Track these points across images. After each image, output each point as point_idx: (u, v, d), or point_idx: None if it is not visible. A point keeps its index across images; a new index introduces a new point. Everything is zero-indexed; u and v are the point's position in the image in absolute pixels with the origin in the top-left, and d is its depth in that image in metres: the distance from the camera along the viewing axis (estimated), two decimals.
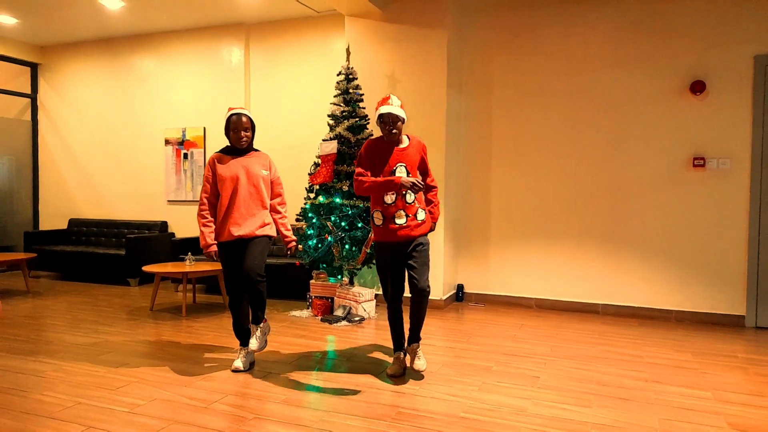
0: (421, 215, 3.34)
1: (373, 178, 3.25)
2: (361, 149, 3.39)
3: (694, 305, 5.01)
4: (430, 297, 5.43)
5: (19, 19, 6.60)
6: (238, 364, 3.51)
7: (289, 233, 3.63)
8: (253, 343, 3.47)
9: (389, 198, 3.28)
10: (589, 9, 5.27)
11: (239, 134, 3.41)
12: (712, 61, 4.90)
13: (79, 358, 3.78)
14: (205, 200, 3.46)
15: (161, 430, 2.65)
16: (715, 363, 3.80)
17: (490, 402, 3.04)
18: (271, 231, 3.53)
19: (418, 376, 3.45)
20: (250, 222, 3.43)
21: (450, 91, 5.43)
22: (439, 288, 5.42)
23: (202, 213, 3.45)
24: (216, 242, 3.46)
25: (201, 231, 3.44)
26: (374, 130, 5.57)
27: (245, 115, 3.43)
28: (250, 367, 3.56)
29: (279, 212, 3.60)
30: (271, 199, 3.60)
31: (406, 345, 3.54)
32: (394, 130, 3.25)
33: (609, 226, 5.27)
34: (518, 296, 5.60)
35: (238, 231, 3.41)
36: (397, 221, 3.28)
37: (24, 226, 7.95)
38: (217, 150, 3.59)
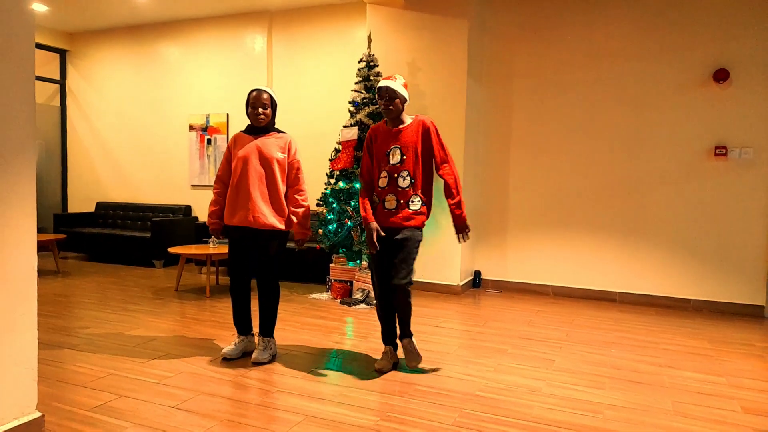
0: (416, 205, 3.17)
1: (362, 207, 3.24)
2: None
3: (713, 295, 5.01)
4: (447, 282, 5.50)
5: (49, 6, 6.77)
6: (229, 350, 3.37)
7: (301, 227, 3.33)
8: (261, 355, 3.32)
9: (382, 181, 3.19)
10: None
11: (256, 110, 3.25)
12: (736, 50, 4.85)
13: (109, 333, 3.94)
14: (216, 177, 3.40)
15: (189, 399, 2.79)
16: (731, 351, 3.82)
17: (505, 382, 3.12)
18: (281, 224, 3.30)
19: (435, 356, 3.54)
20: (257, 208, 3.22)
21: (470, 80, 5.45)
22: (456, 274, 5.49)
23: (214, 190, 3.41)
24: (219, 221, 3.38)
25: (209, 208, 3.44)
26: None
27: (265, 91, 3.27)
28: (242, 356, 3.42)
29: (294, 200, 3.33)
30: (288, 186, 3.36)
31: (398, 339, 3.38)
32: (390, 107, 3.13)
33: (628, 214, 5.27)
34: (535, 283, 5.64)
35: (246, 216, 3.23)
36: (387, 206, 3.17)
37: (53, 208, 8.19)
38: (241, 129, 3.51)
